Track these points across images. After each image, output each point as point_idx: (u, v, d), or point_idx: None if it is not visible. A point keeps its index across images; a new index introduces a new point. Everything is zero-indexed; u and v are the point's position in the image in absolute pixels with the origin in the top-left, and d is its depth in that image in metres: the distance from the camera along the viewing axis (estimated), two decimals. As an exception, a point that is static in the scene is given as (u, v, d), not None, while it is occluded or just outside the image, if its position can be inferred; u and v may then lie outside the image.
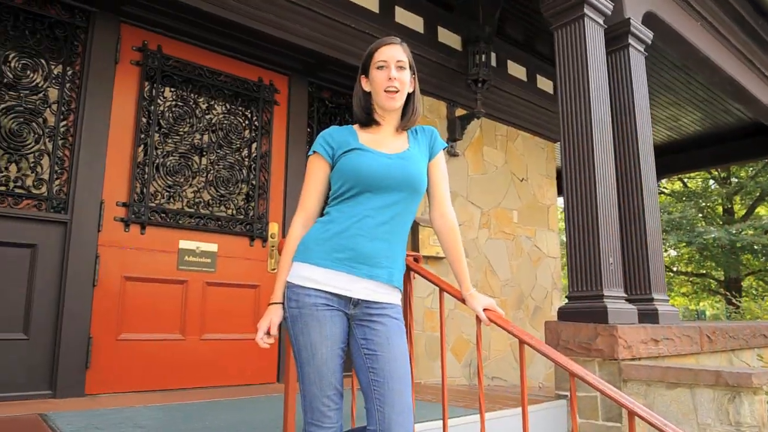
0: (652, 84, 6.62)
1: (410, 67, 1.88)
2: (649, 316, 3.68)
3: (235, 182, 4.24)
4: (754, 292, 18.68)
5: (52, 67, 3.57)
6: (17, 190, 3.35)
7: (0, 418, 2.68)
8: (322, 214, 1.85)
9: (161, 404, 3.19)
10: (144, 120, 3.87)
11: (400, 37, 1.91)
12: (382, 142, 1.85)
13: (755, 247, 15.76)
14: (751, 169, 16.60)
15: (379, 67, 1.83)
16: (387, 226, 1.75)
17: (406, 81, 1.85)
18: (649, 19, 4.34)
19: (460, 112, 5.46)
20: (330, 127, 1.92)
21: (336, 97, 4.97)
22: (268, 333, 1.77)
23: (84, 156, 3.55)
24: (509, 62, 6.01)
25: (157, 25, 3.96)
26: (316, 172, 1.86)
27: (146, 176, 3.81)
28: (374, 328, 1.72)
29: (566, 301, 3.63)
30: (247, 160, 4.34)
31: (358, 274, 1.71)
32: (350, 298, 1.72)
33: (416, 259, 2.30)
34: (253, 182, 4.33)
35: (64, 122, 3.57)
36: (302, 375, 1.70)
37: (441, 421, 2.59)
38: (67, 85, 3.61)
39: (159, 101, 3.95)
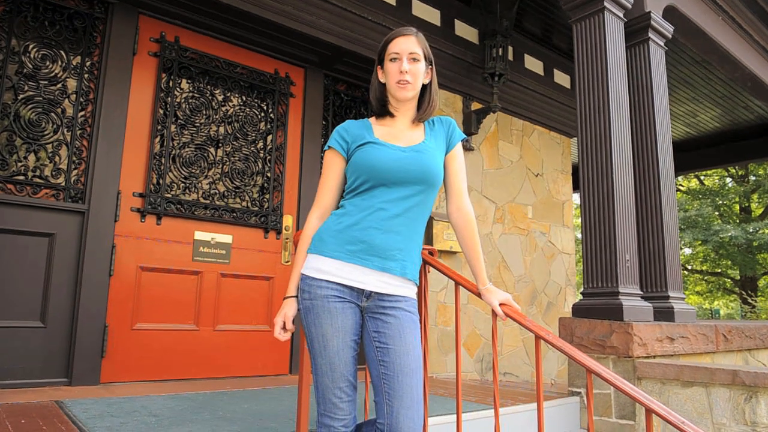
0: (670, 79, 6.54)
1: (425, 58, 1.85)
2: (664, 314, 3.65)
3: (250, 174, 4.25)
4: (770, 291, 18.46)
5: (71, 57, 3.60)
6: (36, 180, 3.38)
7: (18, 405, 2.72)
8: (337, 208, 1.84)
9: (175, 394, 3.21)
10: (161, 111, 3.89)
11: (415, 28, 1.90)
12: (398, 135, 1.84)
13: (773, 246, 15.55)
14: (769, 167, 16.37)
15: (393, 59, 1.82)
16: (401, 218, 1.74)
17: (418, 73, 1.82)
18: (670, 13, 4.28)
19: (475, 106, 5.43)
20: (346, 120, 1.91)
21: (351, 90, 4.97)
22: (284, 327, 1.78)
23: (101, 146, 3.58)
24: (526, 56, 5.96)
25: (174, 16, 3.97)
26: (332, 167, 1.86)
27: (162, 167, 3.83)
28: (386, 321, 1.71)
29: (580, 297, 3.60)
30: (262, 152, 4.35)
31: (371, 267, 1.70)
32: (363, 290, 1.71)
33: (431, 253, 2.28)
34: (268, 174, 4.34)
35: (83, 113, 3.60)
36: (315, 366, 1.70)
37: (453, 416, 2.59)
38: (86, 75, 3.63)
39: (176, 93, 3.97)
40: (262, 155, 4.35)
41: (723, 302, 21.50)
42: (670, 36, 4.21)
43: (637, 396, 1.57)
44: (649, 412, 1.54)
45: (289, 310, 1.79)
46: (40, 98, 3.45)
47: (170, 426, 2.41)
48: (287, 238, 4.32)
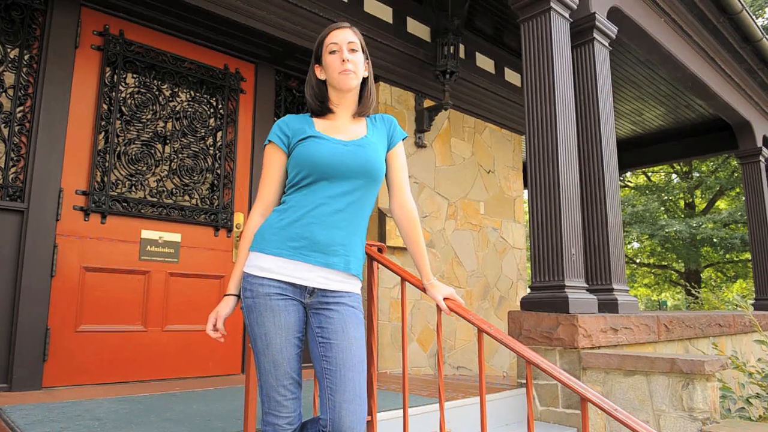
0: (616, 78, 6.75)
1: (363, 50, 1.87)
2: (609, 306, 3.76)
3: (199, 171, 4.18)
4: (712, 283, 19.26)
5: (8, 50, 3.46)
6: (-30, 177, 3.24)
7: (-49, 412, 2.61)
8: (280, 204, 1.83)
9: (121, 396, 3.14)
10: (105, 106, 3.78)
11: (361, 25, 1.90)
12: (339, 129, 1.84)
13: (714, 240, 16.22)
14: (711, 163, 17.06)
15: (332, 52, 1.82)
16: (343, 213, 1.74)
17: (359, 62, 1.83)
18: (614, 14, 4.40)
19: (428, 103, 5.47)
20: (286, 115, 1.90)
21: (303, 85, 4.92)
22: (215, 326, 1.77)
23: (42, 143, 3.45)
24: (478, 54, 6.04)
25: (119, 9, 3.87)
26: (272, 162, 1.84)
27: (107, 164, 3.73)
28: (329, 316, 1.71)
29: (530, 291, 3.68)
30: (212, 148, 4.28)
31: (313, 263, 1.70)
32: (305, 286, 1.71)
33: (380, 250, 2.30)
34: (218, 171, 4.28)
35: (21, 108, 3.47)
36: (259, 365, 1.70)
37: (402, 410, 2.61)
38: (24, 69, 3.50)
39: (121, 87, 3.86)
40: (211, 152, 4.27)
41: (670, 294, 22.33)
42: (614, 36, 4.33)
43: (573, 385, 1.62)
44: (584, 400, 1.59)
45: (223, 308, 1.78)
46: (-25, 92, 3.30)
47: (114, 429, 2.36)
48: (238, 236, 4.26)
